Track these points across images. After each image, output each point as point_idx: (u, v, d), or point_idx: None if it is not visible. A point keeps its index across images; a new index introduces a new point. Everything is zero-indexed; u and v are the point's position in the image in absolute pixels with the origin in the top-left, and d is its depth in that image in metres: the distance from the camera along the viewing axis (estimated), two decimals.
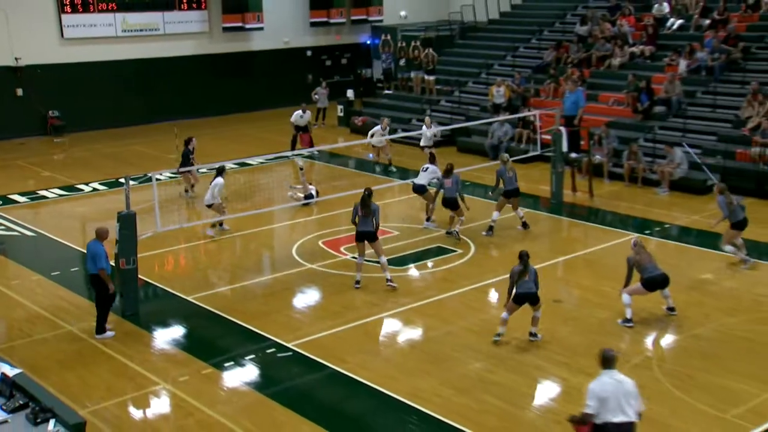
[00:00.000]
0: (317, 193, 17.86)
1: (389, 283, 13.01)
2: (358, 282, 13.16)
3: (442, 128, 22.87)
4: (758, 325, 11.64)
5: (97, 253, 11.39)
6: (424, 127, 21.32)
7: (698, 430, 8.92)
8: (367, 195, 13.05)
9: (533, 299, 10.98)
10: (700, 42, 22.54)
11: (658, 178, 18.83)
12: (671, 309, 11.96)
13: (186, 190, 18.92)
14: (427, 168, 16.40)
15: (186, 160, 18.43)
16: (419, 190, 16.30)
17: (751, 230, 15.81)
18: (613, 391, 7.37)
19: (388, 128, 21.68)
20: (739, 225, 13.92)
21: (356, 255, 13.36)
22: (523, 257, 10.94)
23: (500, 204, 15.82)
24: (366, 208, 12.98)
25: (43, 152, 24.90)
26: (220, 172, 16.07)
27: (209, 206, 15.99)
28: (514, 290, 10.97)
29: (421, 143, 21.46)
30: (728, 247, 14.02)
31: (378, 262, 13.13)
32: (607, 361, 7.58)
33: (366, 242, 13.08)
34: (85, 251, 11.90)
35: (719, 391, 9.76)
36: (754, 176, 18.05)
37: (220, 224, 16.19)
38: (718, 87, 21.07)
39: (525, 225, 15.92)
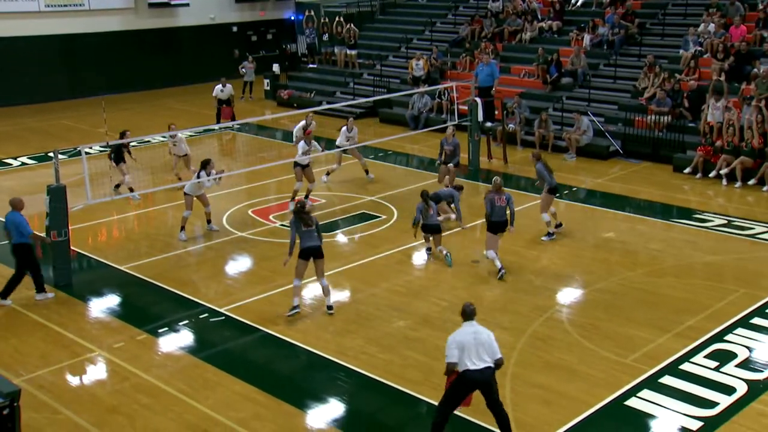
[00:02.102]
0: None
1: (329, 311, 11.03)
2: (296, 307, 10.88)
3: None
4: (653, 277, 12.14)
5: (20, 222, 11.14)
6: (344, 128, 17.23)
7: (602, 374, 9.28)
8: (300, 208, 10.94)
9: (437, 229, 12.68)
10: (602, 18, 23.05)
11: (566, 144, 19.28)
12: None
13: (117, 185, 16.60)
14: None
15: (119, 154, 16.51)
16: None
17: (647, 191, 16.45)
18: (471, 340, 7.60)
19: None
20: (554, 190, 13.73)
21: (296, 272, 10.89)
22: (423, 195, 12.51)
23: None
24: (306, 221, 10.78)
25: None
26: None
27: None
28: (420, 221, 12.54)
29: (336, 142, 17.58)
30: (546, 216, 13.60)
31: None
32: (466, 314, 7.84)
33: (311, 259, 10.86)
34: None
35: (620, 338, 10.17)
36: (650, 142, 18.68)
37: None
38: (618, 60, 21.63)
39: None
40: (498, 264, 12.13)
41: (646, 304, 11.15)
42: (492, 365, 7.64)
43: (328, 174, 17.05)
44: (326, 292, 10.99)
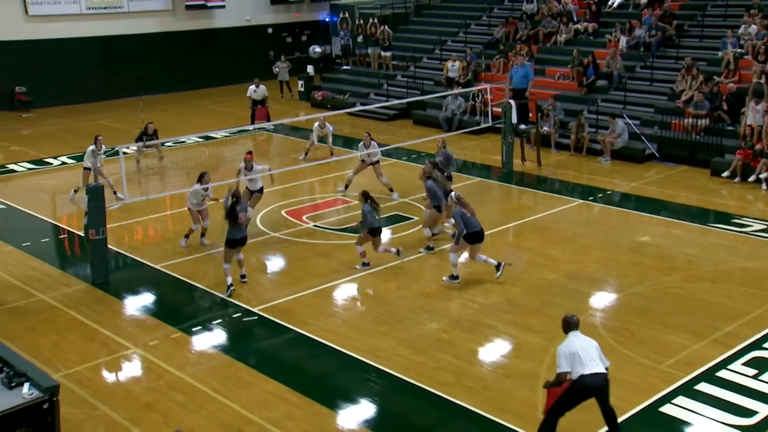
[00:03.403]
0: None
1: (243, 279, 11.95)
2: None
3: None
4: (690, 282, 11.94)
5: None
6: (362, 144, 16.43)
7: (636, 380, 9.16)
8: (235, 201, 11.70)
9: (379, 230, 12.48)
10: (639, 20, 22.76)
11: (600, 147, 19.07)
12: (499, 265, 11.89)
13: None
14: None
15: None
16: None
17: (684, 195, 16.22)
18: (581, 347, 7.54)
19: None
20: (439, 208, 13.24)
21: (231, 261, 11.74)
22: (364, 195, 12.35)
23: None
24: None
25: (11, 127, 24.23)
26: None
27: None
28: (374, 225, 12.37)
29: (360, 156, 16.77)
30: (427, 231, 13.31)
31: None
32: (570, 325, 7.75)
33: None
34: (55, 223, 11.70)
35: (655, 344, 10.02)
36: (687, 145, 18.38)
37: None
38: (655, 62, 21.34)
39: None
40: (456, 271, 11.80)
41: (681, 310, 10.98)
42: (605, 372, 7.57)
43: (346, 186, 16.43)
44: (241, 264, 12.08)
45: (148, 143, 17.55)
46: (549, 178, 17.81)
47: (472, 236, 11.71)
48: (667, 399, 8.75)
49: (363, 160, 16.30)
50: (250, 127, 21.54)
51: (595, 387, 7.52)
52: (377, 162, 16.21)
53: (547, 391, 7.82)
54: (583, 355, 7.50)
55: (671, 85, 20.17)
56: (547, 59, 23.54)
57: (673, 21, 22.08)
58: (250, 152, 14.41)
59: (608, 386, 7.63)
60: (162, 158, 18.75)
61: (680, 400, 8.73)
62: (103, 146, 16.05)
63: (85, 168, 16.05)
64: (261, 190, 14.54)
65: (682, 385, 9.03)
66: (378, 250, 12.55)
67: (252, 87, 22.97)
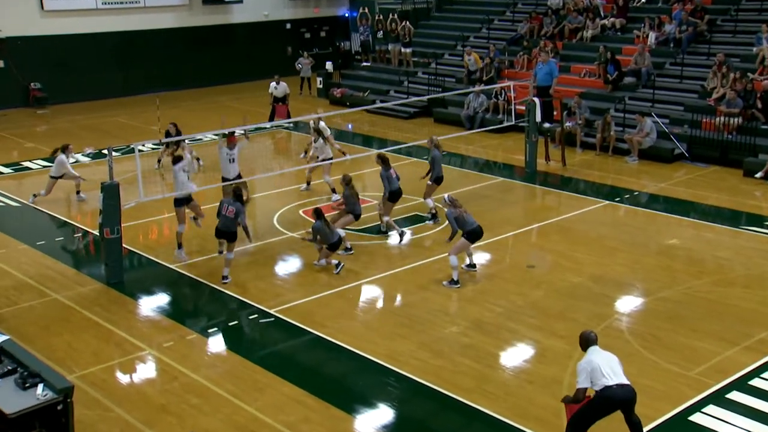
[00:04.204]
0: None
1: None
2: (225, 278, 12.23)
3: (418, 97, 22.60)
4: (720, 287, 11.83)
5: None
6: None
7: (664, 387, 9.08)
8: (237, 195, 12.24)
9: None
10: (669, 15, 22.57)
11: (628, 147, 18.94)
12: (472, 266, 12.33)
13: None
14: None
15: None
16: None
17: (715, 196, 16.06)
18: (602, 361, 7.48)
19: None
20: (394, 196, 13.84)
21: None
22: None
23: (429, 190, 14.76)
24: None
25: (25, 124, 24.52)
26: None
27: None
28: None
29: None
30: (386, 218, 13.90)
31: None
32: (588, 341, 7.71)
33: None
34: (70, 221, 11.81)
35: (684, 350, 9.93)
36: (718, 145, 18.21)
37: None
38: (686, 59, 21.14)
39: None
40: (456, 275, 11.86)
41: (712, 315, 10.88)
42: (630, 383, 7.50)
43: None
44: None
45: (166, 140, 17.44)
46: (574, 178, 17.71)
47: (471, 234, 11.87)
48: (697, 408, 8.67)
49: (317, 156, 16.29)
50: (267, 125, 21.59)
51: (621, 399, 7.45)
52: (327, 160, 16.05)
53: (566, 407, 7.76)
54: (606, 368, 7.44)
55: (702, 83, 19.99)
56: (573, 56, 23.42)
57: (705, 16, 21.87)
58: (232, 133, 14.68)
59: (635, 398, 7.55)
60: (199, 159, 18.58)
61: (710, 409, 8.64)
62: (73, 154, 17.01)
63: (51, 176, 16.40)
64: (239, 177, 14.45)
65: (712, 393, 8.94)
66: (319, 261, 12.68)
67: (273, 84, 23.01)
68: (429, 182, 14.66)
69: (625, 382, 7.48)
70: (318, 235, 12.53)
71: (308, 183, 16.79)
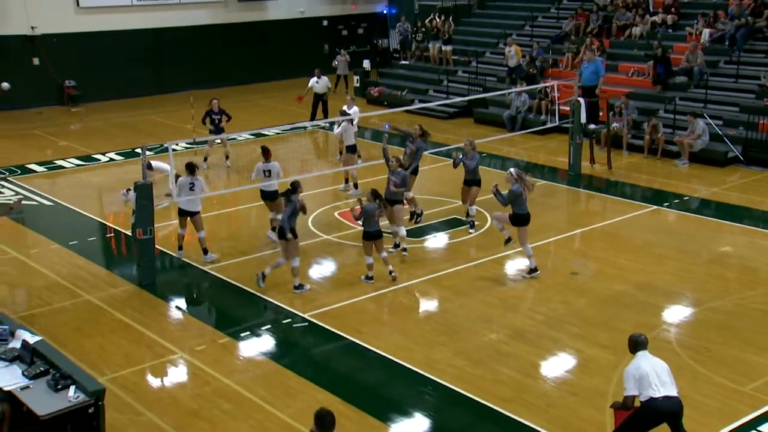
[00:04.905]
0: None
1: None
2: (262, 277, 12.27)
3: (460, 98, 22.57)
4: None
5: None
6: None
7: (716, 403, 8.92)
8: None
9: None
10: (725, 10, 22.18)
11: (678, 149, 18.66)
12: (509, 240, 12.70)
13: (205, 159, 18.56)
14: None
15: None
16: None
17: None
18: (649, 368, 7.37)
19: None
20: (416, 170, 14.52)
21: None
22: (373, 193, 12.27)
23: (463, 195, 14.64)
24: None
25: (60, 122, 25.03)
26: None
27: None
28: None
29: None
30: (410, 194, 14.28)
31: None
32: (637, 345, 7.59)
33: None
34: (102, 221, 12.00)
35: (737, 364, 9.75)
36: None
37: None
38: (742, 57, 20.76)
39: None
40: (534, 262, 12.32)
41: (767, 328, 10.65)
42: (678, 395, 7.40)
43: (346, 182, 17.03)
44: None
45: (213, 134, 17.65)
46: (620, 181, 17.50)
47: (519, 218, 12.15)
48: (752, 425, 8.51)
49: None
50: (307, 124, 21.67)
51: (667, 412, 7.34)
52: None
53: (614, 413, 7.68)
54: (653, 377, 7.33)
55: (759, 82, 19.61)
56: (621, 54, 23.16)
57: (765, 11, 21.42)
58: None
59: (682, 411, 7.44)
60: (228, 157, 18.88)
61: (766, 427, 8.46)
62: None
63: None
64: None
65: None
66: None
67: (314, 79, 23.03)
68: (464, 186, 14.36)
69: (673, 393, 7.36)
70: (364, 217, 12.19)
71: (346, 181, 16.91)
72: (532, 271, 12.33)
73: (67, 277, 12.88)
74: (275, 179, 13.75)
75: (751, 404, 8.88)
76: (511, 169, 12.37)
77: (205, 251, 13.28)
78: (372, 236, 12.14)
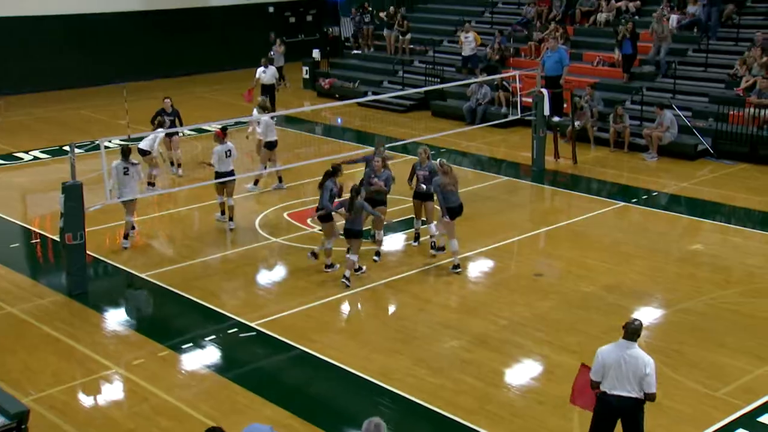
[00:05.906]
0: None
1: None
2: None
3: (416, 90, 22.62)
4: (750, 297, 11.86)
5: None
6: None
7: (688, 408, 9.09)
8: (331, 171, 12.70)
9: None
10: None
11: (645, 143, 18.98)
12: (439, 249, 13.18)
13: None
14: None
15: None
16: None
17: (744, 197, 16.11)
18: (617, 360, 7.39)
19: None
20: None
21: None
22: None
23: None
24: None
25: None
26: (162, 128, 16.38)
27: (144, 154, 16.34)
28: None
29: None
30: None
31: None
32: (628, 333, 7.52)
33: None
34: (27, 225, 11.76)
35: (710, 367, 9.94)
36: (748, 140, 18.27)
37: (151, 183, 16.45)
38: (711, 45, 21.20)
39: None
40: (457, 260, 12.67)
41: (741, 329, 10.89)
42: (636, 396, 7.41)
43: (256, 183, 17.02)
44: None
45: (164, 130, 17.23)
46: (585, 177, 17.75)
47: (451, 211, 12.43)
48: (725, 431, 8.67)
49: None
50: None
51: (616, 409, 7.46)
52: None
53: (581, 368, 7.82)
54: (615, 371, 7.40)
55: (729, 71, 20.04)
56: (585, 42, 23.49)
57: None
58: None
59: (636, 413, 7.49)
60: (180, 165, 18.30)
61: None
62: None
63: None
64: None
65: (742, 415, 8.94)
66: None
67: (260, 69, 22.82)
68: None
69: (626, 395, 7.38)
70: (354, 213, 12.04)
71: (280, 179, 17.11)
72: (455, 267, 12.66)
73: None
74: (232, 158, 14.53)
75: (724, 409, 9.05)
76: (439, 160, 12.90)
77: (126, 236, 13.90)
78: (353, 234, 12.19)
